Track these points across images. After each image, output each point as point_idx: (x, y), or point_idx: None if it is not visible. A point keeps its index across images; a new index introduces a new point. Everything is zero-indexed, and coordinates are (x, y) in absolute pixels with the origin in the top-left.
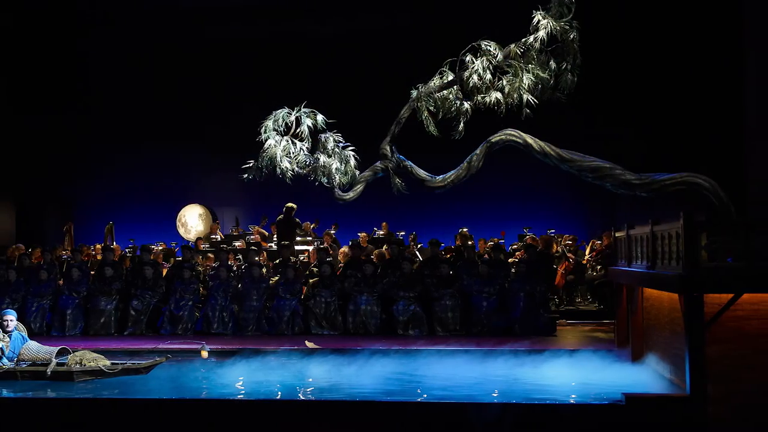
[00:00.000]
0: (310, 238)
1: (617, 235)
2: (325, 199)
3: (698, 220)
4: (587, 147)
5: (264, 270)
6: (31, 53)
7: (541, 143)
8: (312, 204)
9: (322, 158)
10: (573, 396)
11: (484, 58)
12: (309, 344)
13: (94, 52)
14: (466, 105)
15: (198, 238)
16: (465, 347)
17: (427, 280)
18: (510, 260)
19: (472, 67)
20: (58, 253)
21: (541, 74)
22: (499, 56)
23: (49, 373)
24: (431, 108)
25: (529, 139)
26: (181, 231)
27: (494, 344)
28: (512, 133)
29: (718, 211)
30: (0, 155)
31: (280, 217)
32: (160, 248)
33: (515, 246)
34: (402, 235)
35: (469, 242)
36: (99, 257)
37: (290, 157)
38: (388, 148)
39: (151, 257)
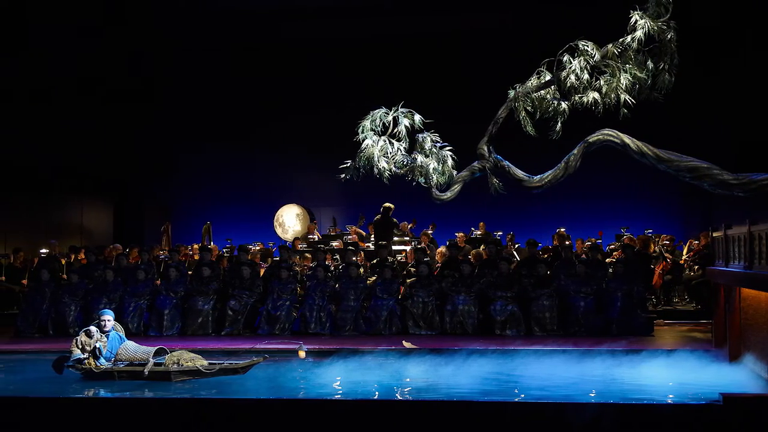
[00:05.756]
0: (408, 238)
1: (715, 235)
2: (422, 199)
3: None
4: (683, 147)
5: (361, 270)
6: (126, 59)
7: (639, 143)
8: (409, 204)
9: (420, 158)
10: (670, 396)
11: (582, 58)
12: (406, 344)
13: (191, 53)
14: (564, 105)
15: (295, 238)
16: (562, 347)
17: (525, 280)
18: (607, 260)
19: (570, 67)
20: (155, 253)
21: (639, 74)
22: (597, 56)
23: (147, 373)
24: (529, 108)
25: (627, 139)
26: (279, 231)
27: (591, 344)
28: (610, 133)
29: None
30: (99, 156)
31: (378, 217)
32: (258, 248)
33: (612, 246)
34: (499, 235)
35: (567, 242)
36: (196, 257)
37: (387, 157)
38: (485, 148)
39: (249, 257)
